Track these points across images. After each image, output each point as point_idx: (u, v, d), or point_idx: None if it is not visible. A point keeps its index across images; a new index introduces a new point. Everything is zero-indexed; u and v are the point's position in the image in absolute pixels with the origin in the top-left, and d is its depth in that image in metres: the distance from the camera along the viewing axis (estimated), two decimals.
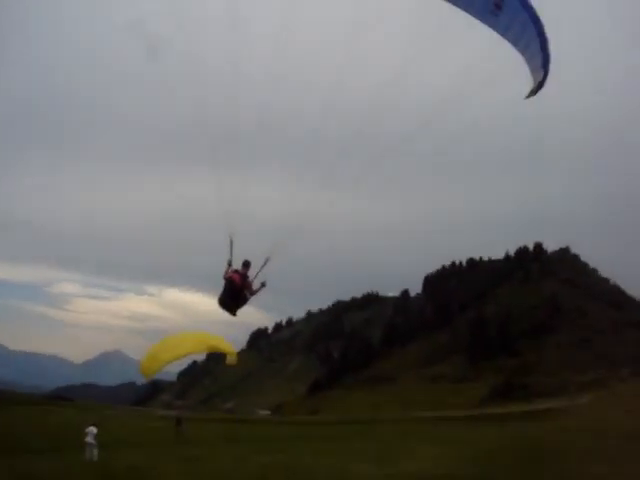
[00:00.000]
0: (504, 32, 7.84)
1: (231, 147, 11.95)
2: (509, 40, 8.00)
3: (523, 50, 8.07)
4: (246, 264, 13.06)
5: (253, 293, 13.01)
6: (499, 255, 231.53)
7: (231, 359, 25.58)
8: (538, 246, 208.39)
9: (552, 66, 8.47)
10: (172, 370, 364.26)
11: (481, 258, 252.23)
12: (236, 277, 12.75)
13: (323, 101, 13.01)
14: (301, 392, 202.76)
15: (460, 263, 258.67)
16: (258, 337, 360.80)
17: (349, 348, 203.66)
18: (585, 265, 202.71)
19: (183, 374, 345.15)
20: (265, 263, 12.85)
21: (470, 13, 7.92)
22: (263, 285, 13.05)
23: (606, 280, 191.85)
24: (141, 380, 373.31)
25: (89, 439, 26.42)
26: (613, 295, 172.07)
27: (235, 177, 12.28)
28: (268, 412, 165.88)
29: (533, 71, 8.54)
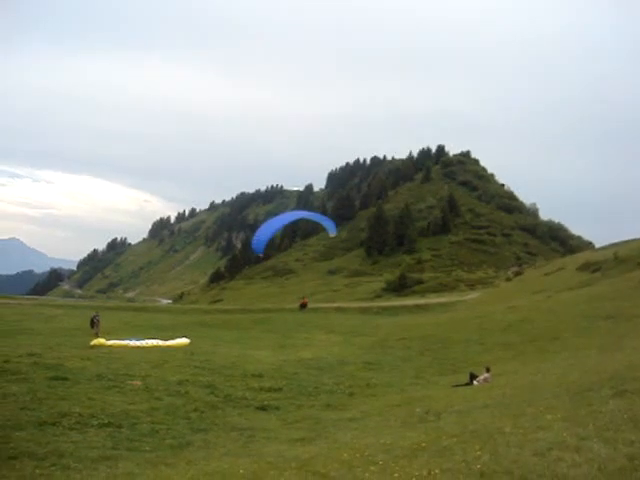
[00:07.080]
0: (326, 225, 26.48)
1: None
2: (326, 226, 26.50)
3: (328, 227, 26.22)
4: None
5: None
6: (403, 155, 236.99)
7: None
8: (440, 149, 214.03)
9: None
10: (72, 259, 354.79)
11: (385, 157, 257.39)
12: None
13: None
14: (203, 282, 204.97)
15: (364, 160, 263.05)
16: (160, 227, 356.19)
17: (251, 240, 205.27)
18: (483, 170, 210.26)
19: (84, 263, 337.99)
20: None
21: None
22: None
23: (501, 186, 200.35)
24: (40, 268, 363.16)
25: None
26: (506, 200, 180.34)
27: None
28: (170, 301, 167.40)
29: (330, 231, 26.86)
